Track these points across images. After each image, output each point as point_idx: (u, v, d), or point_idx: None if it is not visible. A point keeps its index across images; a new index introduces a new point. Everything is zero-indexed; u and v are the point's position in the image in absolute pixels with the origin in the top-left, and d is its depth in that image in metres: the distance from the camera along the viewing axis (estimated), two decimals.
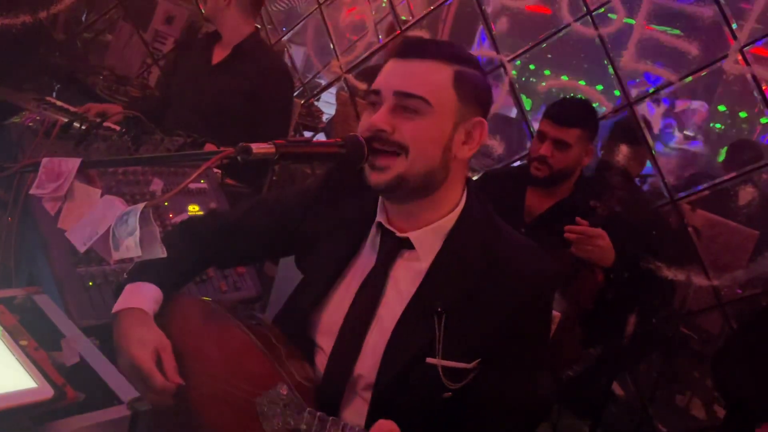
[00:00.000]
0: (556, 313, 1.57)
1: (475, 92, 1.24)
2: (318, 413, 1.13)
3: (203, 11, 2.94)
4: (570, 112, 2.31)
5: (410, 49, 1.22)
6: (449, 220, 1.26)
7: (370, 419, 1.13)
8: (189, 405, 1.22)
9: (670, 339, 3.21)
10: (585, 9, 3.14)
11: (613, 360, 2.86)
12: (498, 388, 1.23)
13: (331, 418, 1.12)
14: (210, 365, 1.23)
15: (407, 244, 1.26)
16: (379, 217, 1.30)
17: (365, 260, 1.31)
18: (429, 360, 1.20)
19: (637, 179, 3.29)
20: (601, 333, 2.50)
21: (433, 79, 1.19)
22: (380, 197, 1.31)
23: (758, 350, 2.07)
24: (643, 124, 3.02)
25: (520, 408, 1.26)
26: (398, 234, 1.27)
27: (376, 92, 1.21)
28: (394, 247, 1.28)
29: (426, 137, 1.19)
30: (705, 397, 3.61)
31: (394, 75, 1.21)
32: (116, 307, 1.28)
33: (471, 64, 1.25)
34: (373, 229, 1.32)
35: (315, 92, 4.34)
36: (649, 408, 3.15)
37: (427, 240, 1.26)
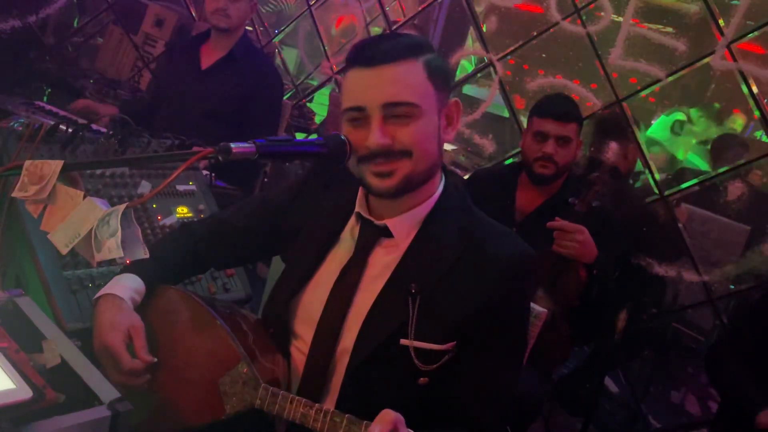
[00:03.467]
0: (542, 310, 1.57)
1: (443, 76, 1.25)
2: (271, 388, 1.16)
3: (226, 25, 2.82)
4: (567, 108, 2.36)
5: (373, 55, 1.19)
6: (427, 206, 1.29)
7: (344, 404, 1.14)
8: (159, 389, 1.25)
9: (662, 335, 3.22)
10: (573, 7, 3.14)
11: (604, 357, 2.86)
12: (473, 375, 1.24)
13: (281, 392, 1.15)
14: (181, 351, 1.27)
15: (386, 232, 1.29)
16: (358, 208, 1.32)
17: (344, 250, 1.33)
18: (402, 341, 1.21)
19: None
20: (592, 330, 2.50)
21: (411, 80, 1.20)
22: (360, 189, 1.33)
23: (750, 346, 2.08)
24: (632, 122, 3.03)
25: (497, 397, 1.26)
26: (377, 222, 1.29)
27: (360, 109, 1.20)
28: (372, 235, 1.30)
29: (424, 137, 1.21)
30: (699, 392, 3.62)
31: (374, 87, 1.19)
32: (96, 295, 1.32)
33: (429, 48, 1.25)
34: (352, 219, 1.34)
35: (306, 93, 4.34)
36: (642, 404, 3.16)
37: (405, 225, 1.28)
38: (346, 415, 1.08)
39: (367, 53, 1.19)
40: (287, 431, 1.29)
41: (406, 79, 1.19)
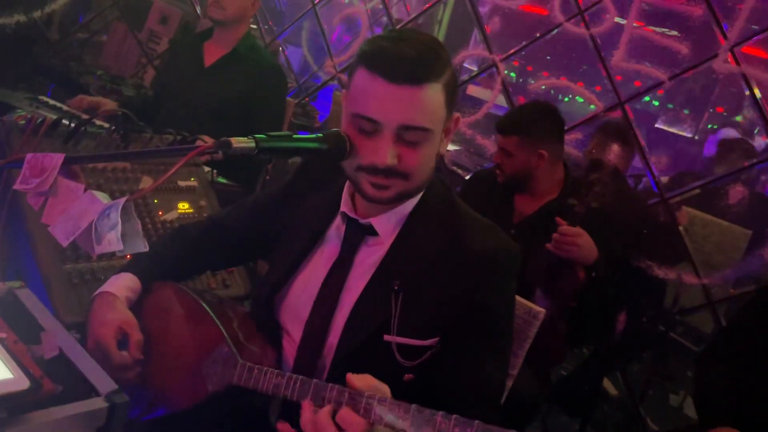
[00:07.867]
0: (540, 310, 1.57)
1: (455, 95, 1.24)
2: (248, 364, 1.17)
3: (221, 17, 2.81)
4: (508, 122, 2.37)
5: (400, 72, 1.13)
6: (410, 203, 1.29)
7: None
8: (152, 378, 1.28)
9: (661, 338, 3.21)
10: (577, 9, 3.14)
11: (603, 359, 2.87)
12: (459, 371, 1.24)
13: (256, 366, 1.16)
14: (171, 341, 1.30)
15: (371, 231, 1.29)
16: (343, 207, 1.32)
17: (330, 249, 1.33)
18: (385, 337, 1.22)
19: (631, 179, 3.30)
20: (591, 332, 2.50)
21: (432, 105, 1.17)
22: (345, 186, 1.34)
23: (742, 351, 2.05)
24: (633, 123, 3.03)
25: (487, 393, 1.26)
26: (362, 221, 1.29)
27: (373, 121, 1.16)
28: (358, 234, 1.30)
29: (427, 160, 1.21)
30: None
31: (394, 106, 1.14)
32: (93, 294, 1.34)
33: (449, 62, 1.23)
34: (338, 219, 1.34)
35: (310, 91, 4.36)
36: (640, 407, 3.16)
37: (389, 223, 1.28)
38: (314, 380, 1.09)
39: (393, 67, 1.13)
40: (281, 414, 1.30)
41: (428, 105, 1.16)
